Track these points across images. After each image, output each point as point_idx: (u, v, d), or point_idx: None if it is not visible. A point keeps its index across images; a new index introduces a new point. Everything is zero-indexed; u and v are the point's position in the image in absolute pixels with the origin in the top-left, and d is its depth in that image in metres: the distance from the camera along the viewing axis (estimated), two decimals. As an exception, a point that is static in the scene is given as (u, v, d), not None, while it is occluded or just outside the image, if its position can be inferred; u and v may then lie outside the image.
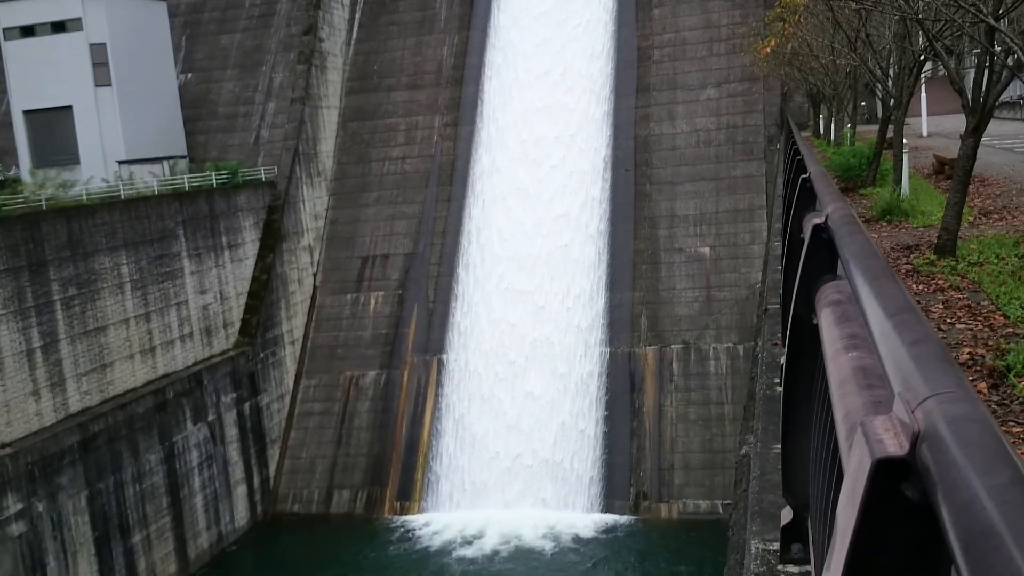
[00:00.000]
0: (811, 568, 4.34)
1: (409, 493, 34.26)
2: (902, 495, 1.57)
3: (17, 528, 23.20)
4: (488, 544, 30.66)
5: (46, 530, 24.14)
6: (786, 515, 4.37)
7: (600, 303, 35.60)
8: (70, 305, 26.43)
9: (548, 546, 30.29)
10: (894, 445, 1.58)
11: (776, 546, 4.40)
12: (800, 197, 6.97)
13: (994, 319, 8.62)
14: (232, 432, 32.80)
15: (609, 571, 28.63)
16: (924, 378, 1.73)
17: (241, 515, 33.09)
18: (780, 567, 4.29)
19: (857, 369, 2.99)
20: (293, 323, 36.75)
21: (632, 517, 31.99)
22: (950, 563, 1.63)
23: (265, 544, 32.65)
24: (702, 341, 34.29)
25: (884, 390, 2.46)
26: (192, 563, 30.14)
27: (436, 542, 31.24)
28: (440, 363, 35.99)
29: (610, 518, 31.89)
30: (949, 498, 1.29)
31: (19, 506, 23.36)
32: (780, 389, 5.44)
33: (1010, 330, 8.21)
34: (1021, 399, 6.82)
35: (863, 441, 1.64)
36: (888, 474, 1.57)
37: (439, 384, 35.66)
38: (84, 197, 29.68)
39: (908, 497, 1.56)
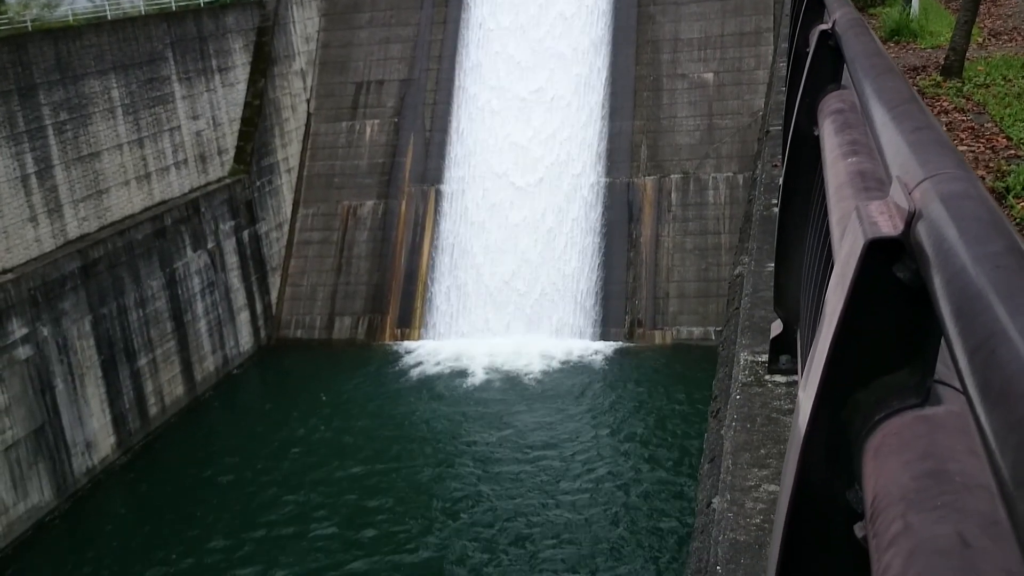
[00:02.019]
0: (798, 378, 4.43)
1: (409, 320, 34.88)
2: (893, 277, 1.54)
3: (23, 352, 23.72)
4: (485, 369, 31.46)
5: (52, 354, 24.69)
6: (776, 328, 4.42)
7: (600, 132, 35.14)
8: (62, 130, 26.06)
9: (543, 372, 31.10)
10: (888, 226, 1.55)
11: (765, 358, 4.48)
12: (807, 9, 6.73)
13: (996, 141, 8.50)
14: (232, 260, 33.03)
15: (603, 394, 29.51)
16: (922, 161, 1.67)
17: (245, 340, 33.79)
18: (768, 377, 4.38)
19: (855, 173, 2.93)
20: (288, 151, 36.37)
21: (626, 344, 32.70)
22: (936, 345, 1.62)
23: (269, 367, 33.51)
24: (701, 171, 34.06)
25: (881, 192, 2.41)
26: (199, 385, 31.00)
27: (435, 367, 32.05)
28: (438, 193, 35.87)
29: (605, 345, 32.61)
30: (941, 269, 1.26)
31: (24, 331, 23.80)
32: (777, 209, 5.40)
33: (1012, 152, 8.12)
34: (1018, 219, 6.81)
35: (857, 224, 1.60)
36: (880, 255, 1.54)
37: (437, 214, 35.66)
38: (70, 18, 28.77)
39: (899, 279, 1.53)
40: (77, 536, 23.81)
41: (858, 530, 1.52)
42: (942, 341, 1.57)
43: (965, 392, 1.03)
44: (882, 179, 2.57)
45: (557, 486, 24.26)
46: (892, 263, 1.54)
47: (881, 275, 1.54)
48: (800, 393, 1.84)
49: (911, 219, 1.48)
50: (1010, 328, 1.00)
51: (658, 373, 30.49)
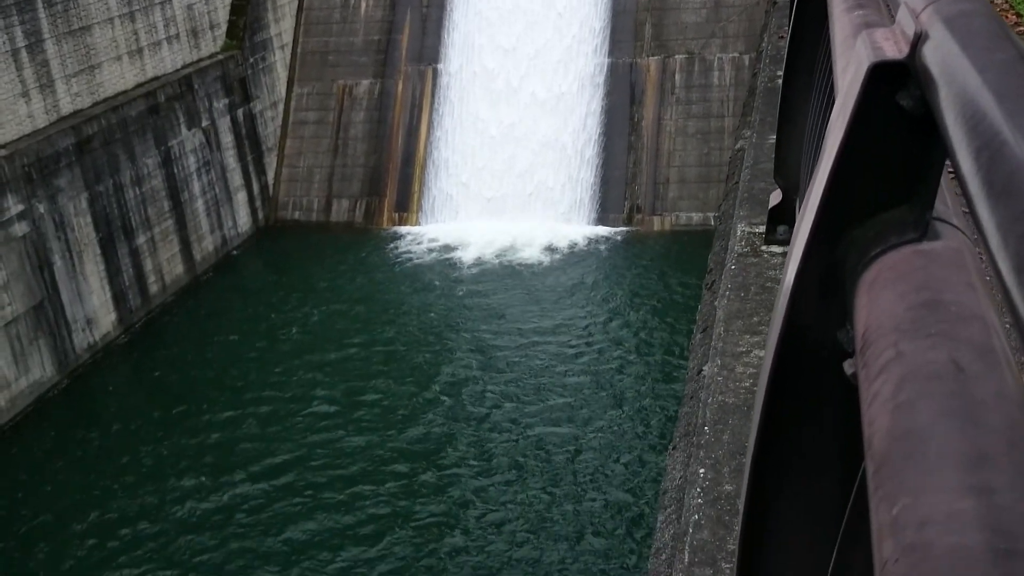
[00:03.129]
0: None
1: (406, 204, 34.71)
2: (897, 106, 1.48)
3: (20, 228, 23.65)
4: (481, 254, 31.50)
5: (49, 231, 24.63)
6: (775, 198, 4.35)
7: (602, 9, 34.25)
8: (52, 3, 25.36)
9: (540, 257, 31.15)
10: (893, 50, 1.47)
11: (762, 229, 4.43)
12: None
13: (1007, 17, 8.27)
14: (227, 139, 32.65)
15: (600, 280, 29.64)
16: (932, -15, 1.58)
17: (243, 221, 33.70)
18: (764, 247, 4.34)
19: (861, 25, 2.81)
20: (281, 26, 35.50)
21: (625, 229, 32.66)
22: (937, 179, 1.56)
23: (267, 249, 33.54)
24: (707, 51, 33.35)
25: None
26: (198, 265, 31.07)
27: (431, 252, 32.09)
28: (435, 73, 35.18)
29: (603, 230, 32.57)
30: (947, 82, 1.19)
31: (20, 207, 23.68)
32: (781, 81, 5.26)
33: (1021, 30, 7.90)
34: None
35: (861, 49, 1.52)
36: (884, 82, 1.47)
37: (434, 95, 35.06)
38: None
39: (903, 107, 1.47)
40: (79, 410, 24.25)
41: (847, 367, 1.49)
42: (943, 173, 1.51)
43: (967, 198, 0.98)
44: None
45: (552, 368, 24.59)
46: (896, 91, 1.48)
47: (884, 103, 1.48)
48: (794, 235, 1.79)
49: (917, 41, 1.41)
50: (1015, 126, 0.94)
51: (656, 259, 30.56)
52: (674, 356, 24.33)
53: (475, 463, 20.74)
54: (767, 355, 1.75)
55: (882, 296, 1.34)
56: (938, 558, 0.86)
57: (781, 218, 4.39)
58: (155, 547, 18.81)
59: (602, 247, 31.62)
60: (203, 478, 20.94)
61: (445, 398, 23.38)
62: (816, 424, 1.74)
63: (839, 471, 1.80)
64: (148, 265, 28.66)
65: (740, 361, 3.55)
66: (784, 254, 4.43)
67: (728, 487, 3.20)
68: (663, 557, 3.50)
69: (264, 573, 17.86)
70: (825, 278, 1.58)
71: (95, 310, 26.48)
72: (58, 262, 24.99)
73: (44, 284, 24.57)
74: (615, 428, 21.83)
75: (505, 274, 30.18)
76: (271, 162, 35.37)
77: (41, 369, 24.50)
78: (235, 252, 33.12)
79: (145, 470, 21.44)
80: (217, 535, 19.04)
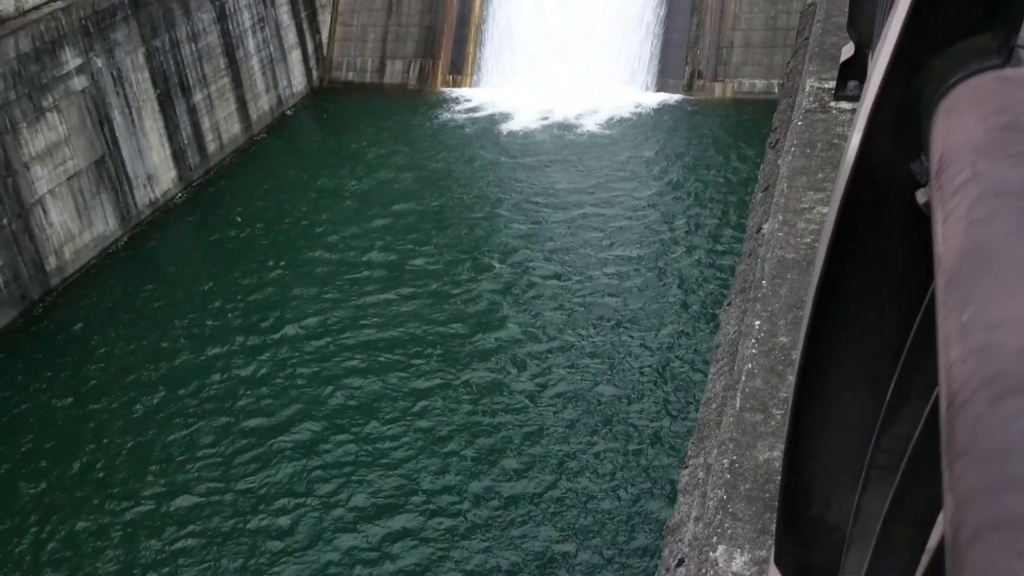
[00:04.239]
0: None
1: (461, 67, 34.18)
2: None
3: (79, 83, 23.82)
4: (536, 120, 31.11)
5: (108, 86, 24.77)
6: (847, 52, 4.21)
7: None
8: None
9: (595, 123, 30.68)
10: None
11: (832, 84, 4.31)
12: None
13: None
14: (281, -5, 32.21)
15: (656, 146, 29.20)
16: None
17: (298, 80, 33.54)
18: (832, 103, 4.23)
19: None
20: None
21: (684, 96, 31.93)
22: (1021, 4, 1.50)
23: (322, 109, 33.48)
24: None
25: None
26: (254, 124, 31.17)
27: (484, 116, 31.76)
28: (494, -73, 34.01)
29: (661, 97, 31.89)
30: None
31: (78, 61, 23.78)
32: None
33: None
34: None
35: None
36: None
37: (492, -48, 34.01)
38: None
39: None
40: (140, 265, 24.89)
41: (920, 196, 1.47)
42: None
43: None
44: None
45: (605, 235, 24.55)
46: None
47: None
48: (869, 72, 1.75)
49: None
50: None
51: (716, 128, 29.94)
52: (730, 227, 24.15)
53: (524, 325, 21.04)
54: (835, 194, 1.74)
55: (961, 120, 1.32)
56: (1007, 357, 0.88)
57: (852, 73, 4.25)
58: (214, 394, 19.58)
59: (660, 114, 31.02)
60: (256, 334, 21.55)
61: (496, 263, 23.54)
62: (880, 262, 1.74)
63: (897, 316, 1.81)
64: (205, 123, 28.81)
65: (802, 217, 3.51)
66: (854, 111, 4.31)
67: (783, 339, 3.22)
68: (713, 407, 3.57)
69: (319, 420, 18.55)
70: (901, 110, 1.55)
71: (155, 167, 26.84)
72: (118, 118, 25.23)
73: (105, 139, 24.89)
74: (668, 294, 21.91)
75: (558, 141, 29.85)
76: (325, 20, 34.88)
77: (104, 223, 25.08)
78: (289, 112, 33.10)
79: (204, 324, 22.10)
80: (273, 383, 19.73)
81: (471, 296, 22.22)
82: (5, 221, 21.93)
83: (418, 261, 23.82)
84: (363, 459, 17.59)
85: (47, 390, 20.07)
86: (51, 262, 23.36)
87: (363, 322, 21.56)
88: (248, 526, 16.24)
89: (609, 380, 19.13)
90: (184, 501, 16.93)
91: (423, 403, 18.84)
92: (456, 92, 33.74)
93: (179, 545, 15.99)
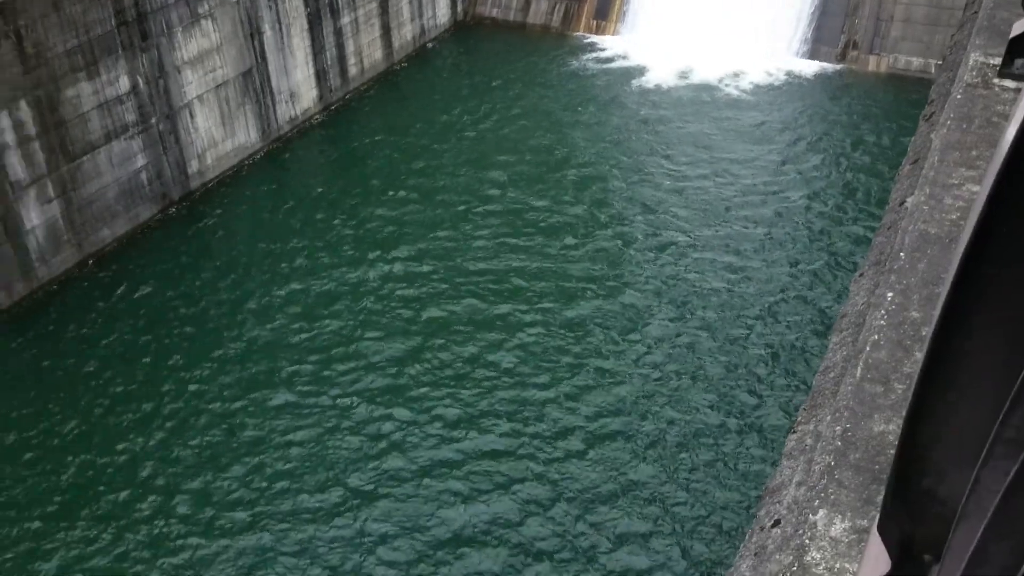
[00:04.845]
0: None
1: (606, 13, 33.72)
2: None
3: (236, -6, 24.53)
4: (678, 75, 30.52)
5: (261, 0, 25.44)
6: (1018, 27, 3.99)
7: None
8: None
9: (741, 85, 29.92)
10: None
11: (998, 60, 4.09)
12: None
13: None
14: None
15: (801, 114, 28.32)
16: None
17: (442, 12, 33.73)
18: (996, 80, 4.02)
19: None
20: None
21: (836, 67, 30.82)
22: None
23: (462, 44, 33.62)
24: None
25: None
26: (396, 52, 31.54)
27: (623, 67, 31.34)
28: None
29: (812, 65, 30.86)
30: None
31: (237, -27, 24.45)
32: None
33: None
34: None
35: None
36: None
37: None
38: None
39: None
40: (276, 178, 25.70)
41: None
42: None
43: None
44: None
45: (740, 198, 24.07)
46: None
47: None
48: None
49: None
50: None
51: (867, 102, 28.80)
52: (871, 202, 23.36)
53: (649, 280, 20.92)
54: (988, 175, 1.68)
55: None
56: None
57: (1021, 50, 4.05)
58: (346, 307, 20.18)
59: (809, 84, 30.01)
60: (383, 250, 22.04)
61: (626, 215, 23.38)
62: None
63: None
64: (350, 47, 29.30)
65: (950, 193, 3.39)
66: (1019, 91, 4.11)
67: (915, 313, 3.13)
68: (831, 375, 3.51)
69: (441, 338, 18.95)
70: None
71: (298, 84, 27.51)
72: (268, 32, 25.90)
73: (254, 52, 25.62)
74: (799, 262, 21.41)
75: (696, 101, 29.24)
76: (477, -47, 34.85)
77: (246, 134, 25.93)
78: (431, 44, 33.35)
79: (331, 239, 22.72)
80: (400, 300, 20.22)
81: (586, 246, 22.16)
82: (154, 120, 22.90)
83: (540, 204, 23.83)
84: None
85: (179, 283, 21.06)
86: (193, 166, 24.34)
87: (479, 253, 21.78)
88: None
89: (727, 341, 18.92)
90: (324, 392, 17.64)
91: (539, 346, 19.02)
92: (597, 39, 33.36)
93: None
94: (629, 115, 28.42)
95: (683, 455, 16.27)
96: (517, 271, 21.23)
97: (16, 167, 19.81)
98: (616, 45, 32.80)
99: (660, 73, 30.76)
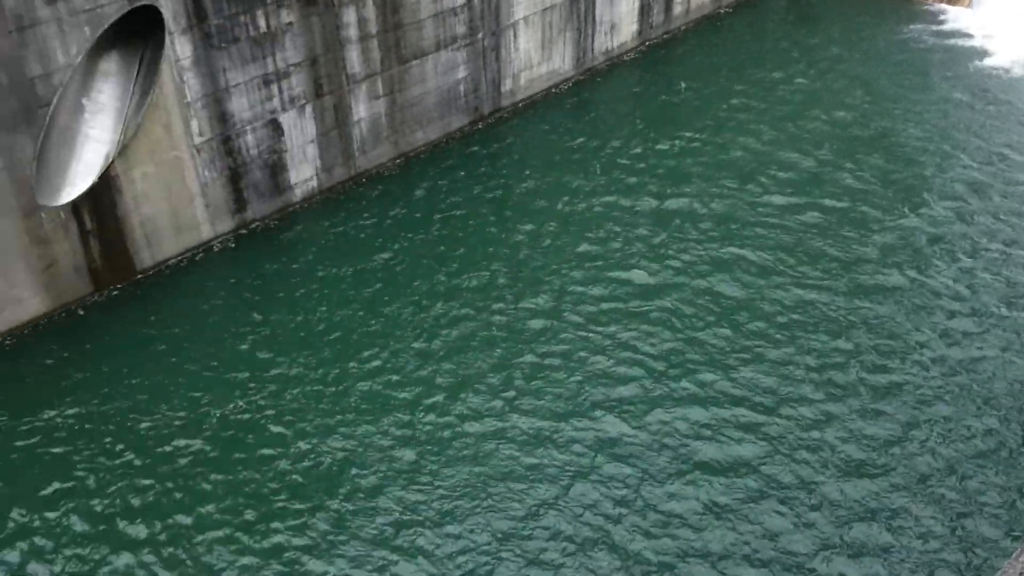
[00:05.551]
0: None
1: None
2: None
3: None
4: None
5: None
6: None
7: None
8: None
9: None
10: None
11: None
12: None
13: None
14: None
15: None
16: None
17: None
18: None
19: None
20: None
21: None
22: None
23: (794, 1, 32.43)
24: None
25: None
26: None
27: (966, 44, 29.00)
28: None
29: None
30: None
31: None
32: None
33: None
34: None
35: None
36: None
37: None
38: None
39: None
40: (580, 108, 26.21)
41: None
42: None
43: None
44: None
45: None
46: None
47: None
48: None
49: None
50: None
51: None
52: None
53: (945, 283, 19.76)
54: None
55: None
56: None
57: None
58: (619, 231, 20.67)
59: None
60: (674, 197, 22.17)
61: (941, 215, 22.00)
62: None
63: None
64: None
65: None
66: None
67: None
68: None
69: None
70: None
71: (621, 17, 27.71)
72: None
73: (584, -18, 26.07)
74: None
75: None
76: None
77: (561, 60, 26.60)
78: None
79: (629, 180, 23.08)
80: (693, 253, 20.43)
81: (887, 238, 21.10)
82: (480, 36, 24.01)
83: (847, 181, 22.86)
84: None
85: (473, 193, 22.34)
86: (507, 84, 25.38)
87: (764, 227, 21.39)
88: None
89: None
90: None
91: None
92: (945, 8, 30.96)
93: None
94: (963, 99, 26.32)
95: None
96: (805, 247, 20.67)
97: (354, 61, 21.59)
98: (964, 18, 30.31)
99: (1008, 56, 28.19)
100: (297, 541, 14.48)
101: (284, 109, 20.74)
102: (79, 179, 18.29)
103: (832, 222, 21.52)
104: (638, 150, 24.22)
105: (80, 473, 15.55)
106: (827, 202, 22.19)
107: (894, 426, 16.41)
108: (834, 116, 25.59)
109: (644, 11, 28.34)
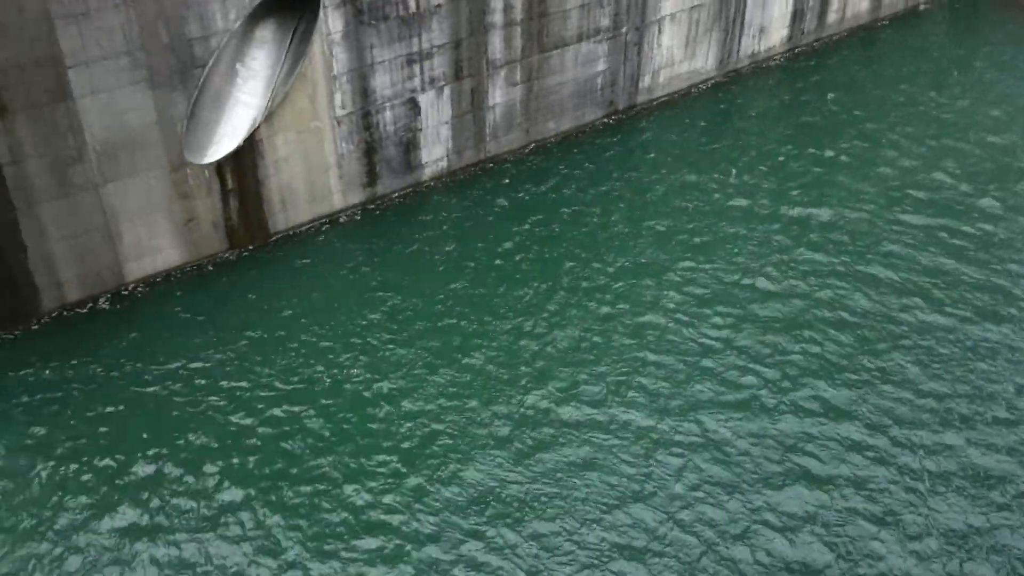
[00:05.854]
0: None
1: None
2: None
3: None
4: None
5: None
6: None
7: None
8: None
9: None
10: None
11: None
12: None
13: None
14: None
15: None
16: None
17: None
18: None
19: None
20: None
21: None
22: None
23: (956, 11, 31.00)
24: None
25: None
26: (883, 7, 29.88)
27: None
28: None
29: None
30: None
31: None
32: None
33: None
34: None
35: None
36: None
37: None
38: None
39: None
40: (719, 111, 25.76)
41: None
42: None
43: None
44: None
45: None
46: None
47: None
48: None
49: None
50: None
51: None
52: None
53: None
54: None
55: None
56: None
57: None
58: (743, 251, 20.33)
59: None
60: (802, 205, 21.64)
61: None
62: None
63: None
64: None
65: None
66: None
67: None
68: None
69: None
70: None
71: (772, 20, 27.09)
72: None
73: (736, -17, 25.60)
74: None
75: None
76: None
77: (704, 60, 26.22)
78: (923, 7, 31.07)
79: (763, 184, 22.64)
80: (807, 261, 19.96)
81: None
82: (624, 30, 23.90)
83: (993, 209, 21.78)
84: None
85: (597, 191, 22.30)
86: (645, 80, 25.20)
87: (893, 242, 20.63)
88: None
89: None
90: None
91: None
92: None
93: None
94: None
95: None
96: (942, 270, 19.83)
97: (496, 47, 21.83)
98: None
99: None
100: (390, 517, 14.82)
101: (423, 89, 21.15)
102: (226, 140, 19.12)
103: (972, 248, 20.57)
104: (780, 158, 23.68)
105: (184, 427, 16.28)
106: (969, 228, 21.21)
107: (1014, 467, 15.60)
108: (986, 141, 24.41)
109: (797, 16, 27.65)
